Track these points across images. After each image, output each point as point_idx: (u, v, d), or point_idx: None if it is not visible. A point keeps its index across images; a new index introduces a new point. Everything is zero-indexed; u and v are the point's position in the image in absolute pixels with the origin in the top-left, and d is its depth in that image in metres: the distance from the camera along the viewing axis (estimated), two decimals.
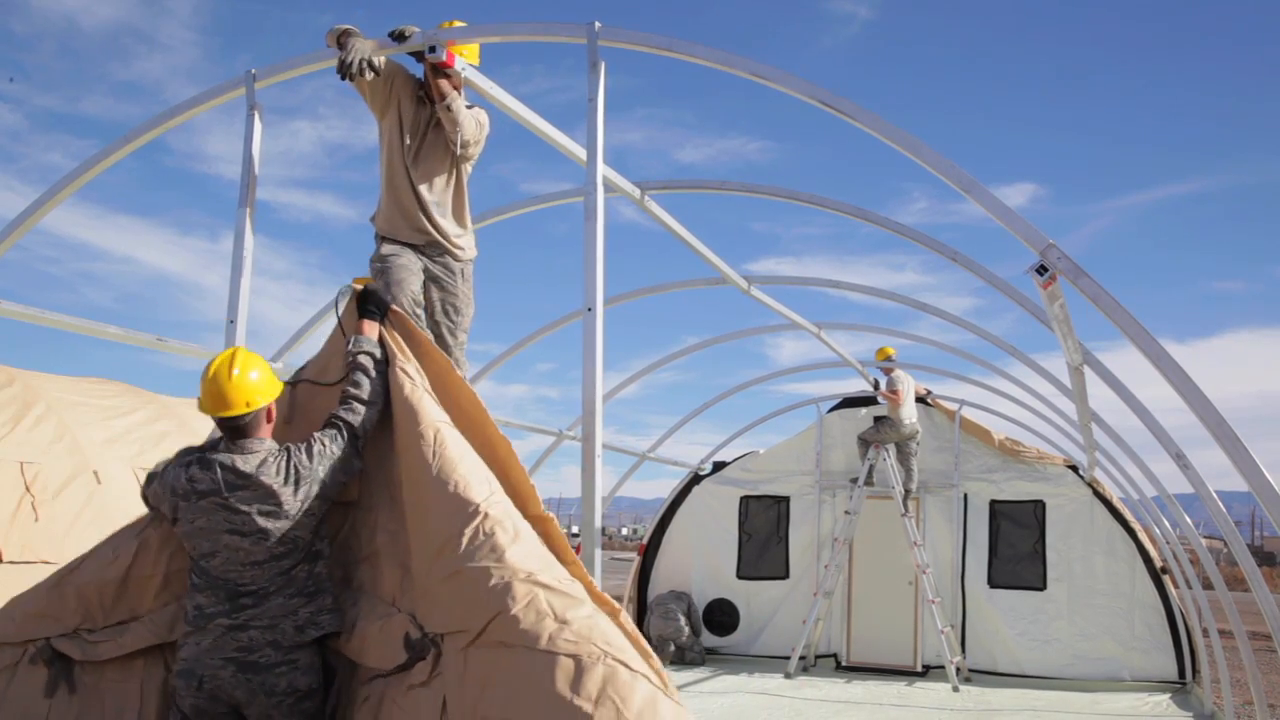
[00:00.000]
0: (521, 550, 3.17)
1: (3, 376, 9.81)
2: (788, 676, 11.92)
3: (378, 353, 3.80)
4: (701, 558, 14.03)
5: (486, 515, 3.25)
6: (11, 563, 7.79)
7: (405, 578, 3.47)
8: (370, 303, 3.98)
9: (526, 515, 3.45)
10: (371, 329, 3.89)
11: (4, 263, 5.45)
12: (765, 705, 10.16)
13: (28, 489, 8.68)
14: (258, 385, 3.50)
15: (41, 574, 4.03)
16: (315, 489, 3.48)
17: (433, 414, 3.62)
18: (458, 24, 4.55)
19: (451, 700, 3.02)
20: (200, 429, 10.96)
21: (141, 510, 3.84)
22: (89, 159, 5.21)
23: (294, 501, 3.43)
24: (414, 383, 3.74)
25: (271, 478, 3.41)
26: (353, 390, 3.69)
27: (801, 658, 12.24)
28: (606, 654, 2.85)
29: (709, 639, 13.57)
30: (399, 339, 3.94)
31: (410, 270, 4.42)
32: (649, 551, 14.44)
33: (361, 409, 3.66)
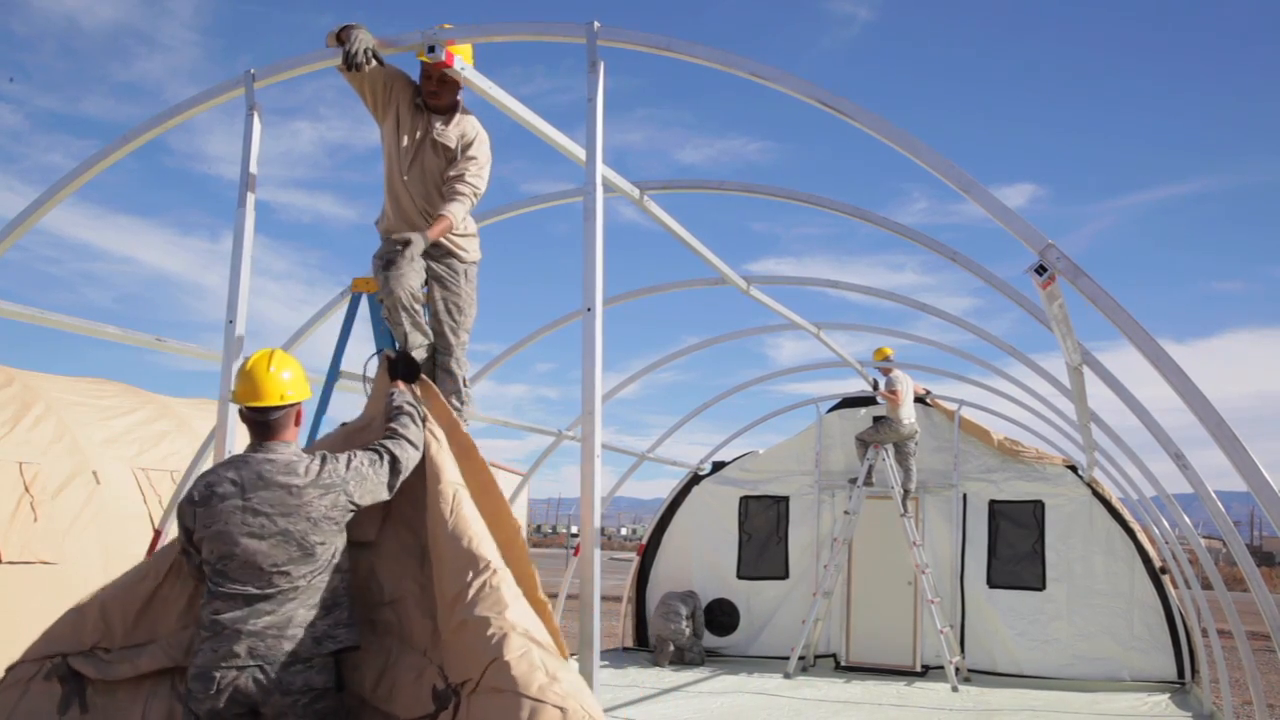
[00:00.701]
0: (521, 609, 3.35)
1: (2, 376, 9.81)
2: (787, 676, 11.92)
3: (420, 409, 3.91)
4: (701, 558, 14.03)
5: (495, 571, 3.41)
6: (11, 562, 7.80)
7: (434, 631, 3.58)
8: (403, 365, 4.10)
9: (528, 598, 3.57)
10: (403, 390, 4.00)
11: (4, 263, 5.46)
12: (764, 705, 10.16)
13: (27, 489, 8.68)
14: (291, 383, 3.58)
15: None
16: (343, 499, 3.49)
17: (453, 475, 3.78)
18: (447, 27, 4.56)
19: None
20: (200, 429, 10.96)
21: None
22: (89, 159, 5.21)
23: (318, 505, 3.44)
24: (439, 444, 3.89)
25: (299, 478, 3.43)
26: (399, 429, 3.75)
27: (801, 658, 12.25)
28: (590, 716, 2.99)
29: (708, 639, 13.57)
30: (429, 402, 4.10)
31: (411, 267, 4.44)
32: (648, 551, 14.45)
33: (406, 445, 3.73)
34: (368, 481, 3.56)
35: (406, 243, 4.20)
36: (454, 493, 3.68)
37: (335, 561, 3.53)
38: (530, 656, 3.12)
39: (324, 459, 3.50)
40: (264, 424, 3.52)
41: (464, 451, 4.03)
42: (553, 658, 3.18)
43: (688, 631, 12.92)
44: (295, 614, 3.40)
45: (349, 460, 3.54)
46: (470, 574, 3.39)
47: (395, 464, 3.66)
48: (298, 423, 3.62)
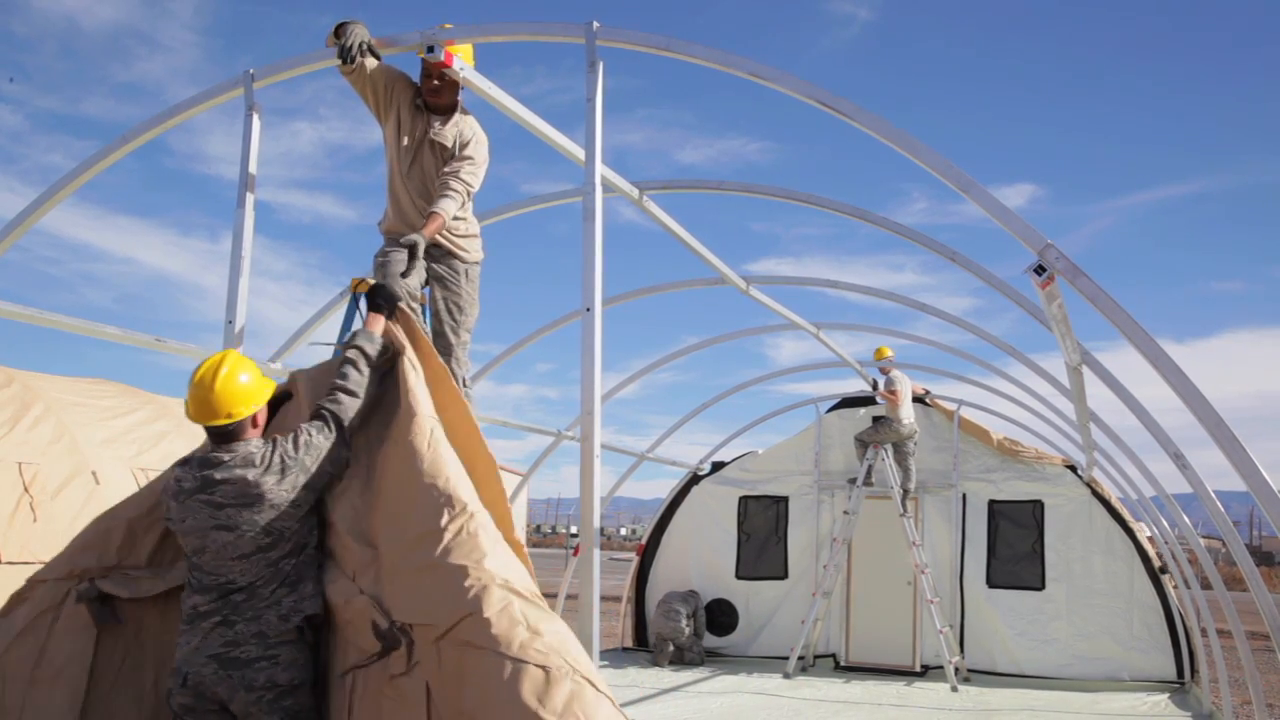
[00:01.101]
0: (501, 559, 3.19)
1: (1, 377, 9.81)
2: (786, 676, 11.92)
3: (371, 349, 3.81)
4: (700, 558, 14.03)
5: (472, 516, 3.27)
6: (10, 563, 7.79)
7: (371, 558, 3.44)
8: (379, 297, 4.00)
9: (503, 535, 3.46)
10: (375, 323, 3.91)
11: (4, 263, 5.46)
12: (764, 705, 10.16)
13: (26, 489, 8.68)
14: (242, 392, 3.52)
15: None
16: (302, 479, 3.48)
17: (430, 413, 3.63)
18: (447, 26, 4.57)
19: (434, 689, 3.04)
20: (199, 429, 10.95)
21: None
22: (88, 159, 5.22)
23: (278, 491, 3.43)
24: (418, 375, 3.77)
25: (254, 470, 3.42)
26: (339, 382, 3.70)
27: (800, 658, 12.25)
28: (575, 670, 2.89)
29: (708, 639, 13.57)
30: (404, 336, 3.97)
31: (409, 265, 4.45)
32: (648, 551, 14.45)
33: (345, 399, 3.66)
34: (320, 450, 3.53)
35: (411, 244, 4.19)
36: (431, 429, 3.55)
37: (304, 541, 3.54)
38: (511, 610, 3.00)
39: (275, 443, 3.50)
40: (219, 434, 3.52)
41: (438, 381, 3.89)
42: (534, 608, 3.06)
43: (688, 631, 12.92)
44: (264, 597, 3.41)
45: (296, 437, 3.52)
46: (445, 516, 3.25)
47: (339, 421, 3.62)
48: (256, 425, 3.59)
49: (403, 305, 4.06)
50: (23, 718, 3.49)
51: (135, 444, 10.20)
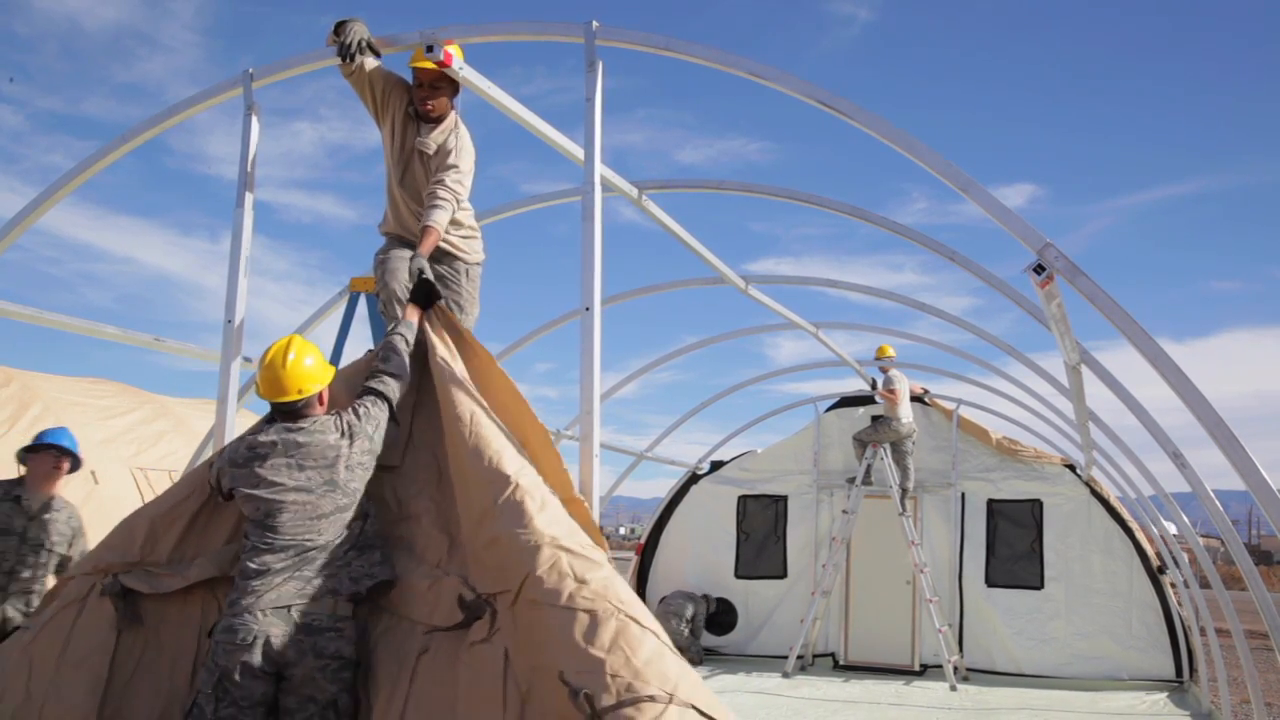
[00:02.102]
0: (547, 517, 3.45)
1: (1, 376, 9.81)
2: (785, 676, 11.93)
3: (411, 336, 4.09)
4: (699, 557, 14.03)
5: (517, 486, 3.53)
6: None
7: (451, 545, 3.77)
8: (420, 290, 4.23)
9: (561, 499, 3.72)
10: (413, 313, 4.18)
11: (4, 263, 5.46)
12: (763, 704, 10.17)
13: None
14: (310, 372, 3.78)
15: None
16: (366, 444, 3.76)
17: (468, 399, 3.90)
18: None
19: (512, 651, 3.29)
20: (198, 429, 10.95)
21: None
22: (87, 159, 5.21)
23: (350, 453, 3.70)
24: (449, 370, 4.03)
25: (334, 436, 3.69)
26: (380, 365, 3.97)
27: (799, 657, 12.25)
28: (620, 610, 3.13)
29: (706, 638, 13.57)
30: (441, 330, 4.25)
31: (406, 262, 4.46)
32: (647, 551, 14.45)
33: (389, 379, 3.93)
34: (379, 421, 3.82)
35: (421, 271, 4.26)
36: (470, 413, 3.81)
37: (365, 508, 3.78)
38: (559, 565, 3.26)
39: (339, 415, 3.78)
40: (289, 411, 3.76)
41: (484, 367, 4.18)
42: (580, 559, 3.30)
43: (686, 632, 12.93)
44: (338, 556, 3.63)
45: (355, 409, 3.81)
46: (495, 491, 3.53)
47: (384, 398, 3.90)
48: (322, 402, 3.85)
49: (441, 303, 4.30)
50: (46, 703, 3.66)
51: (134, 443, 10.21)
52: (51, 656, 3.75)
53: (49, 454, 5.30)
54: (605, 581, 3.24)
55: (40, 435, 5.40)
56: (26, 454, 5.32)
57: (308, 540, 3.59)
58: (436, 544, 3.83)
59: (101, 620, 3.81)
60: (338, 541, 3.64)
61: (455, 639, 3.47)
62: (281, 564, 3.56)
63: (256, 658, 3.44)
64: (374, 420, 3.80)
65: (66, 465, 5.34)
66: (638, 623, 3.11)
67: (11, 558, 5.13)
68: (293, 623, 3.50)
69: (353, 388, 4.07)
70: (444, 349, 4.16)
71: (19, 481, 5.27)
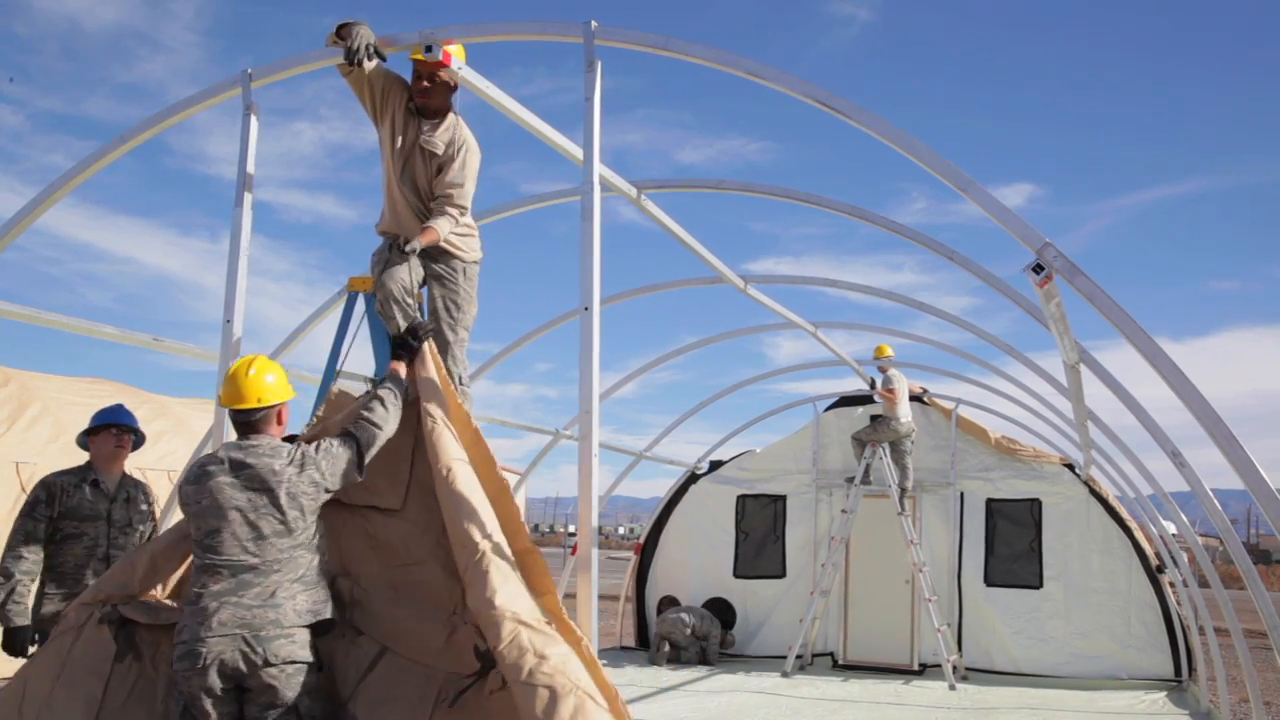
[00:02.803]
0: (510, 589, 3.57)
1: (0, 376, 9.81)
2: (785, 675, 11.93)
3: (400, 391, 4.15)
4: (698, 557, 14.03)
5: (484, 554, 3.65)
6: None
7: (463, 592, 3.78)
8: (399, 347, 4.34)
9: (514, 548, 3.84)
10: (400, 368, 4.26)
11: (3, 263, 5.46)
12: (762, 704, 10.17)
13: (23, 489, 8.67)
14: (270, 386, 3.88)
15: None
16: (317, 477, 3.77)
17: (450, 451, 3.97)
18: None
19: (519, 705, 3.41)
20: (197, 428, 10.96)
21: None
22: (86, 158, 5.21)
23: (297, 482, 3.71)
24: (435, 420, 4.08)
25: (279, 460, 3.71)
26: (365, 413, 4.01)
27: (798, 656, 12.25)
28: (578, 687, 3.25)
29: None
30: (423, 377, 4.29)
31: (404, 262, 4.46)
32: (646, 550, 14.45)
33: (369, 429, 3.97)
34: (338, 460, 3.83)
35: (407, 241, 4.32)
36: (449, 470, 3.88)
37: (314, 541, 3.80)
38: (519, 640, 3.36)
39: (298, 443, 3.86)
40: (246, 423, 3.86)
41: (457, 412, 4.24)
42: (539, 634, 3.40)
43: (687, 633, 12.93)
44: (280, 585, 3.62)
45: (317, 444, 3.85)
46: (466, 557, 3.65)
47: (358, 443, 3.92)
48: (280, 422, 3.93)
49: (424, 348, 4.35)
50: None
51: None
52: (47, 680, 3.84)
53: (108, 433, 5.29)
54: (563, 657, 3.36)
55: (97, 415, 5.38)
56: (86, 437, 5.32)
57: (243, 560, 3.60)
58: (449, 590, 3.88)
59: (98, 647, 3.90)
60: (278, 567, 3.63)
61: (477, 688, 3.60)
62: (220, 585, 3.57)
63: (214, 679, 3.48)
64: (332, 456, 3.82)
65: (130, 441, 5.35)
66: (594, 701, 3.22)
67: (103, 542, 5.16)
68: (241, 638, 3.51)
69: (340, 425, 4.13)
70: (426, 399, 4.19)
71: (88, 466, 5.26)
